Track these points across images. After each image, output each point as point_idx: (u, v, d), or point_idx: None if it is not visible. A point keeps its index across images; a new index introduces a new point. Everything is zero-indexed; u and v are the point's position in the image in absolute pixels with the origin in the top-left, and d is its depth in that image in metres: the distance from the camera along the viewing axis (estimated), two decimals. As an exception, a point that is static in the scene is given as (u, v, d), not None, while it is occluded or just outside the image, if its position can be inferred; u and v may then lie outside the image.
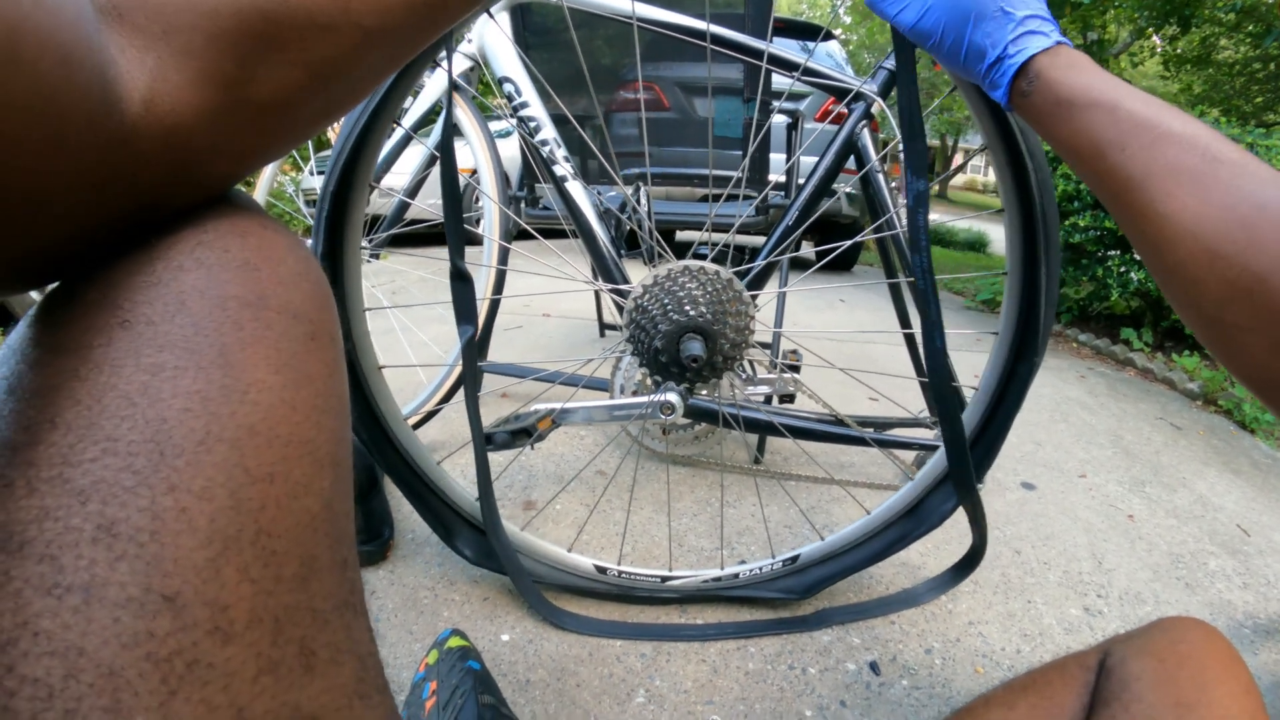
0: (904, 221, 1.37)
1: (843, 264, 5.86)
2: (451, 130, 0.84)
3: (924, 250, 0.80)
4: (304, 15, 0.36)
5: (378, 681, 0.38)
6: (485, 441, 1.09)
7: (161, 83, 0.33)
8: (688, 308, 0.92)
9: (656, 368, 0.96)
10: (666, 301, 0.92)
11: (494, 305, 1.49)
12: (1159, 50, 9.75)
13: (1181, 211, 0.46)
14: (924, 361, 0.86)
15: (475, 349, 0.91)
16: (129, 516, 0.27)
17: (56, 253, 0.33)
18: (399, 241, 2.63)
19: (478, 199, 5.25)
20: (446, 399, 1.53)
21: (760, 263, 1.18)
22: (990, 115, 0.78)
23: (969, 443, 0.96)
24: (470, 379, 0.93)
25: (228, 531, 0.29)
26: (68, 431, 0.29)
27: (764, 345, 1.79)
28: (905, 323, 1.59)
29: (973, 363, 2.68)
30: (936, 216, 1.28)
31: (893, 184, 1.39)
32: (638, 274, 1.16)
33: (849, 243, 1.06)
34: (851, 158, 1.29)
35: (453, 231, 0.84)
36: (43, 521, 0.27)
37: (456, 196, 0.83)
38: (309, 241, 0.85)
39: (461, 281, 0.87)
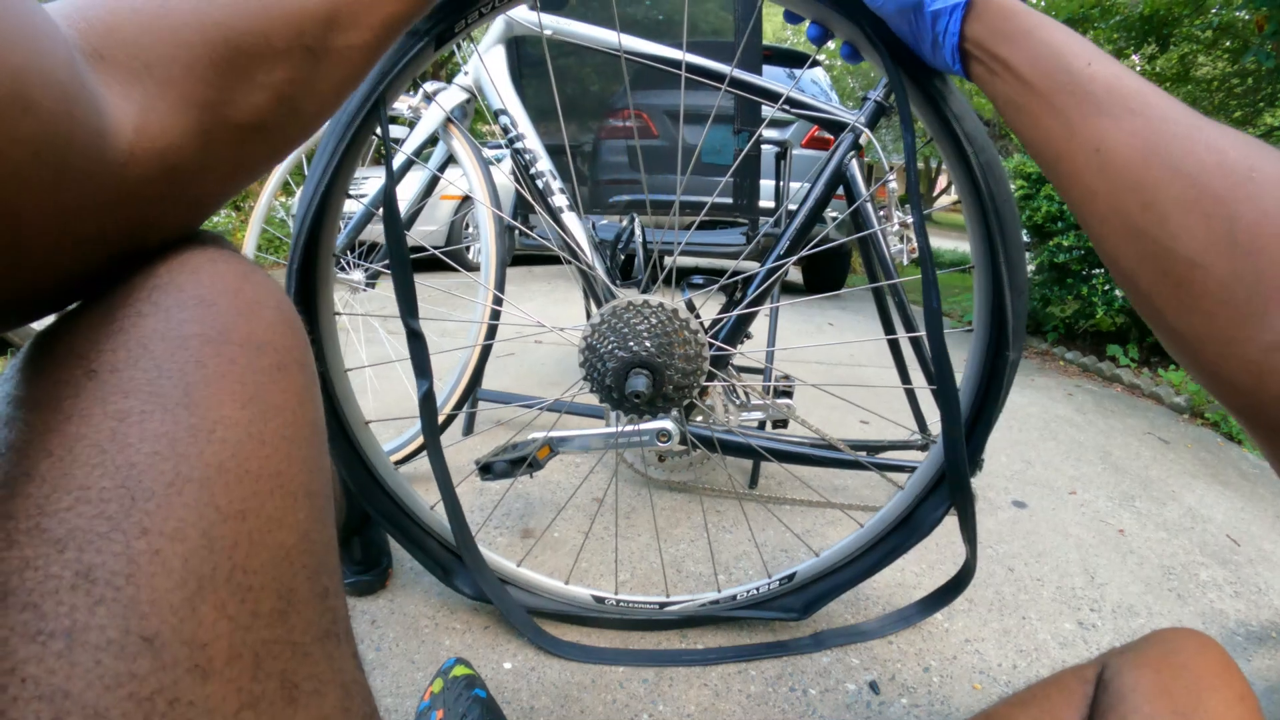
0: (888, 243, 1.39)
1: (832, 284, 5.88)
2: (394, 190, 0.84)
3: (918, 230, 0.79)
4: (262, 40, 0.40)
5: (364, 709, 0.38)
6: (484, 471, 1.11)
7: (149, 110, 0.35)
8: (631, 344, 0.93)
9: (612, 402, 0.97)
10: (612, 339, 0.93)
11: (491, 331, 1.51)
12: (1139, 69, 9.89)
13: (1146, 128, 0.47)
14: (924, 323, 0.82)
15: (434, 401, 0.92)
16: (105, 562, 0.28)
17: (63, 283, 0.35)
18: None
19: (469, 226, 5.29)
20: (440, 430, 1.54)
21: (751, 293, 1.20)
22: (929, 104, 0.77)
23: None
24: (431, 431, 0.95)
25: (202, 571, 0.30)
26: (42, 483, 0.30)
27: (756, 370, 1.81)
28: (889, 329, 1.61)
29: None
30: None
31: (879, 210, 1.41)
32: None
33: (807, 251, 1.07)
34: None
35: (402, 292, 0.85)
36: (24, 571, 0.28)
37: (404, 258, 0.84)
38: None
39: (415, 339, 0.88)
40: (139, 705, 0.27)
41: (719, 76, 1.21)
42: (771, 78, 1.30)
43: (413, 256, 0.86)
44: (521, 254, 5.87)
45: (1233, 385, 0.43)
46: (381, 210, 0.85)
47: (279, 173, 1.95)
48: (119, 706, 0.27)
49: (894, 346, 1.65)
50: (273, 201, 2.03)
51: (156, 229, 0.39)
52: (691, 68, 1.20)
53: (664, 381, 0.94)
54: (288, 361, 0.39)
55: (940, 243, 11.51)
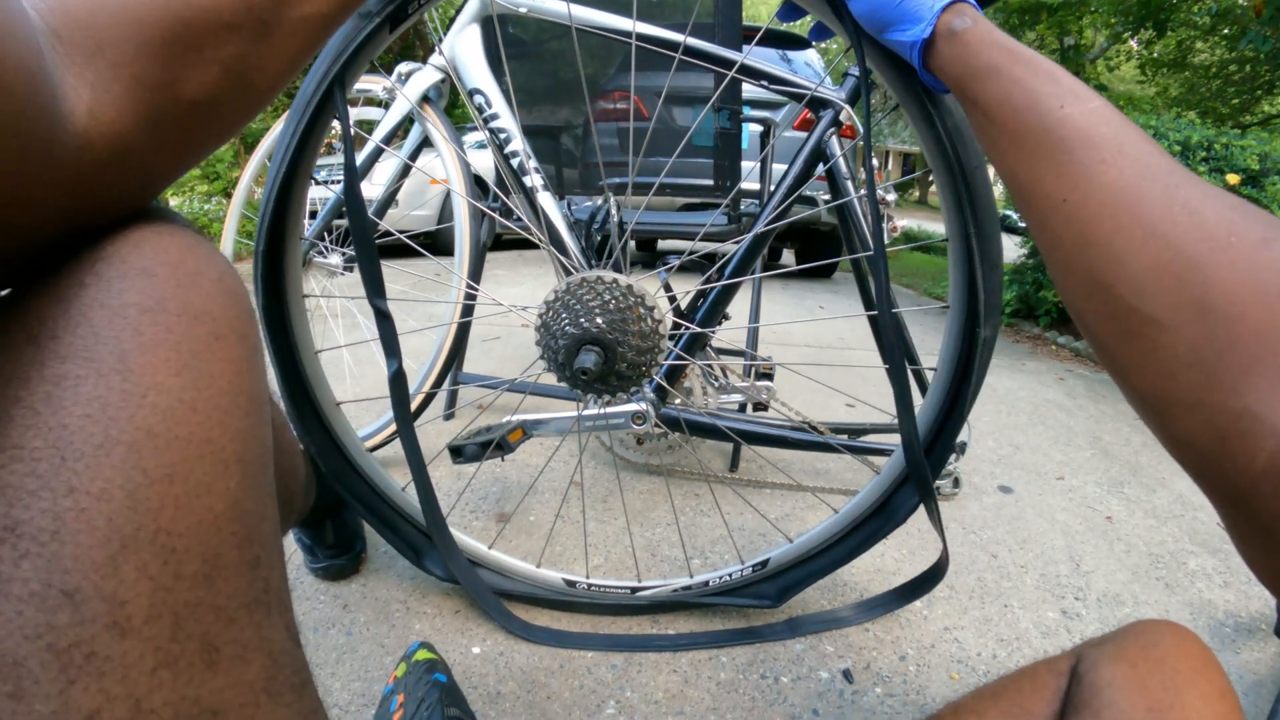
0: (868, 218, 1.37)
1: (822, 272, 5.91)
2: (355, 171, 0.83)
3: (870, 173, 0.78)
4: (214, 13, 0.41)
5: (293, 680, 0.39)
6: (455, 453, 1.09)
7: (103, 93, 0.36)
8: (582, 320, 0.90)
9: (567, 381, 0.95)
10: (565, 316, 0.91)
11: (466, 311, 1.49)
12: (1135, 54, 9.85)
13: (1119, 181, 0.44)
14: (874, 297, 0.82)
15: (405, 380, 0.92)
16: (32, 517, 0.29)
17: (12, 261, 0.36)
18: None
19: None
20: (415, 414, 1.52)
21: (717, 270, 1.18)
22: (893, 67, 0.74)
23: (936, 425, 0.95)
24: (403, 409, 0.94)
25: (125, 530, 0.31)
26: None
27: (738, 353, 1.79)
28: (869, 304, 1.59)
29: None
30: (913, 223, 1.27)
31: (860, 193, 1.39)
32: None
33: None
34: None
35: (367, 273, 0.86)
36: None
37: (368, 240, 0.85)
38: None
39: (383, 319, 0.89)
40: (56, 656, 0.28)
41: (674, 46, 1.18)
42: (763, 58, 1.26)
43: (383, 240, 0.85)
44: (514, 238, 5.86)
45: (1195, 448, 0.40)
46: (344, 193, 0.85)
47: (257, 158, 1.93)
48: (37, 656, 0.28)
49: (874, 323, 1.64)
50: (253, 186, 2.01)
51: (108, 206, 0.39)
52: (644, 37, 1.16)
53: (616, 359, 0.91)
54: (225, 331, 0.39)
55: (939, 226, 11.52)
